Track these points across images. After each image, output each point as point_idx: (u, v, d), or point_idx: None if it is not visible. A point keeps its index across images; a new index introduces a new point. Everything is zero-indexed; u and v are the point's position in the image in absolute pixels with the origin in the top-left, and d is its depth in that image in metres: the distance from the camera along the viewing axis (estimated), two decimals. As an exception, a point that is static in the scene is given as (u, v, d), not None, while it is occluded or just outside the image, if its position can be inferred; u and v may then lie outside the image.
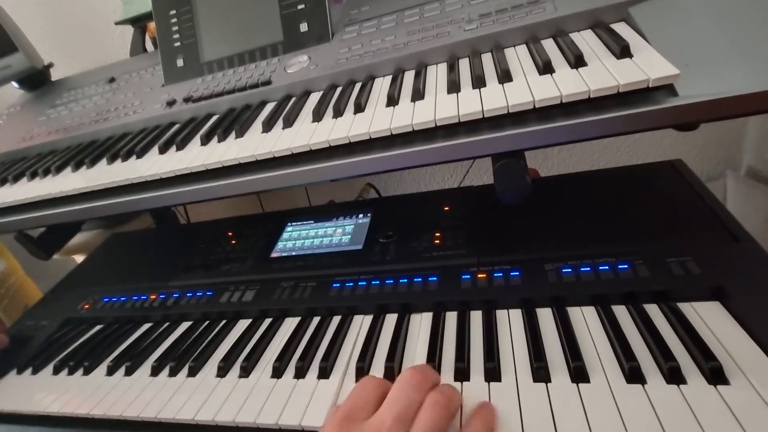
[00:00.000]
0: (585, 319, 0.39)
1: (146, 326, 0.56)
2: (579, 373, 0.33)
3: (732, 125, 0.83)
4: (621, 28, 0.40)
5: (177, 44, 0.61)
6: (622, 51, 0.35)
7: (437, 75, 0.44)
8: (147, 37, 0.81)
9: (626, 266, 0.41)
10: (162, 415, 0.40)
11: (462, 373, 0.36)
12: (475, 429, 0.30)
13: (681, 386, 0.31)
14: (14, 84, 0.80)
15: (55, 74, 0.82)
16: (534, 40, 0.43)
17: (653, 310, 0.38)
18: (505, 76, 0.38)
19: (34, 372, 0.52)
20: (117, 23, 0.79)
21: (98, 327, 0.59)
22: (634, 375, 0.32)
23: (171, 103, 0.58)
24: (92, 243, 0.89)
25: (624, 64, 0.34)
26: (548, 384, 0.33)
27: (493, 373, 0.35)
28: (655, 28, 0.38)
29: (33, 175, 0.56)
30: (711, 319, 0.36)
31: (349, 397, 0.32)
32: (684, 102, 0.31)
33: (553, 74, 0.37)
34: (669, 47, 0.35)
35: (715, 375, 0.30)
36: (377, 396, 0.31)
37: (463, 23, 0.47)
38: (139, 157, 0.50)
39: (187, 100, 0.56)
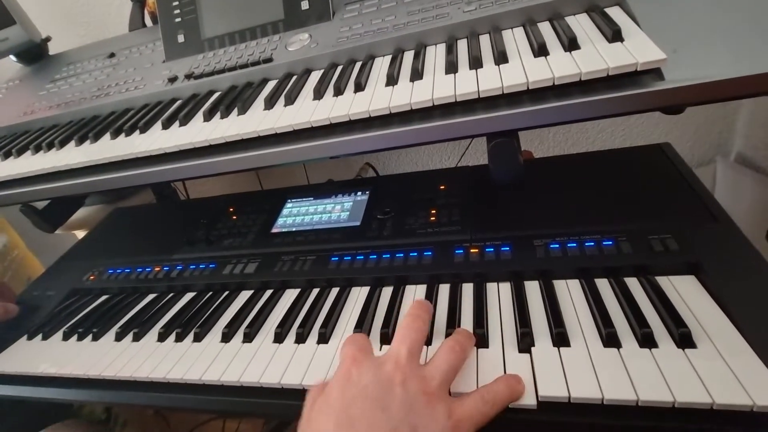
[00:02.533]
0: (569, 291, 0.41)
1: (151, 296, 0.58)
2: (560, 338, 0.36)
3: (723, 112, 0.85)
4: (615, 13, 0.41)
5: (178, 20, 0.61)
6: (614, 35, 0.37)
7: (436, 55, 0.45)
8: (146, 12, 0.80)
9: (610, 243, 0.43)
10: (170, 375, 0.43)
11: (452, 339, 0.39)
12: (498, 388, 0.32)
13: (652, 349, 0.33)
14: (12, 58, 0.79)
15: (53, 48, 0.82)
16: (531, 23, 0.44)
17: (633, 283, 0.40)
18: (501, 58, 0.39)
19: (44, 338, 0.55)
20: (115, -3, 0.79)
21: (104, 297, 0.61)
22: (610, 340, 0.35)
23: (173, 80, 0.58)
24: (93, 218, 0.91)
25: (615, 48, 0.36)
26: (532, 348, 0.36)
27: (481, 339, 0.38)
28: (647, 13, 0.39)
29: (37, 149, 0.57)
30: (685, 291, 0.38)
31: (348, 341, 0.35)
32: (669, 86, 0.33)
33: (548, 57, 0.38)
34: (659, 32, 0.36)
35: (684, 340, 0.33)
36: (368, 344, 0.35)
37: (462, 5, 0.48)
38: (142, 132, 0.51)
39: (188, 76, 0.57)
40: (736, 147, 0.87)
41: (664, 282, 0.39)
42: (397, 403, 0.29)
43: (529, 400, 0.32)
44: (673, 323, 0.34)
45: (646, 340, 0.34)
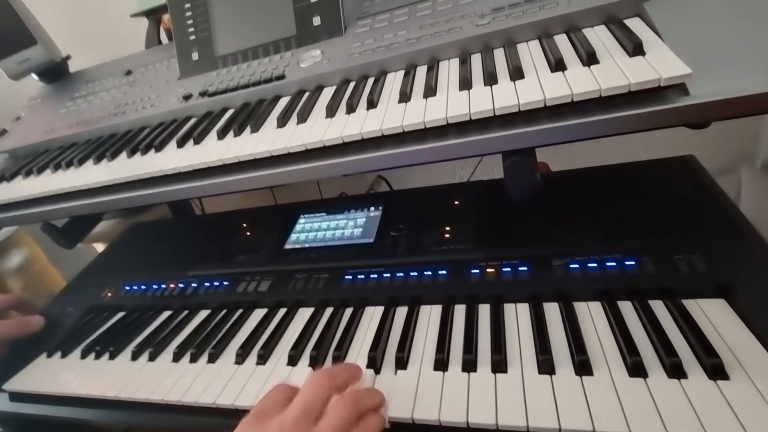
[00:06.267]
0: (591, 314, 0.40)
1: (166, 314, 0.58)
2: (583, 367, 0.34)
3: (749, 118, 0.82)
4: (635, 24, 0.40)
5: (192, 38, 0.62)
6: (635, 48, 0.35)
7: (449, 71, 0.44)
8: (162, 29, 0.82)
9: (633, 262, 0.42)
10: (185, 398, 0.43)
11: (470, 365, 0.38)
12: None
13: (682, 380, 0.32)
14: (34, 76, 0.81)
15: (73, 66, 0.84)
16: (547, 36, 0.43)
17: (658, 306, 0.38)
18: (516, 74, 0.39)
19: (63, 356, 0.55)
20: (132, 15, 0.80)
21: (121, 314, 0.62)
22: (636, 369, 0.33)
23: (187, 97, 0.59)
24: (112, 232, 0.92)
25: (636, 62, 0.35)
26: (552, 376, 0.35)
27: (499, 365, 0.37)
28: (669, 24, 0.38)
29: (56, 167, 0.58)
30: (715, 316, 0.36)
31: (261, 399, 0.35)
32: (695, 102, 0.31)
33: (565, 72, 0.37)
34: (683, 44, 0.35)
35: (716, 370, 0.31)
36: (287, 397, 0.34)
37: (476, 18, 0.47)
38: (158, 150, 0.52)
39: (203, 94, 0.57)
40: (762, 154, 0.83)
41: (692, 305, 0.38)
42: None
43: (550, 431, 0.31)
44: (703, 352, 0.32)
45: (675, 370, 0.32)
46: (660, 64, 0.33)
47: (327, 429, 0.31)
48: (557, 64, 0.37)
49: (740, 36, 0.34)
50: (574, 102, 0.35)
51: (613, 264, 0.42)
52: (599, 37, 0.40)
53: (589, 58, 0.37)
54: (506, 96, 0.37)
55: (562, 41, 0.41)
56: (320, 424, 0.32)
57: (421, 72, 0.46)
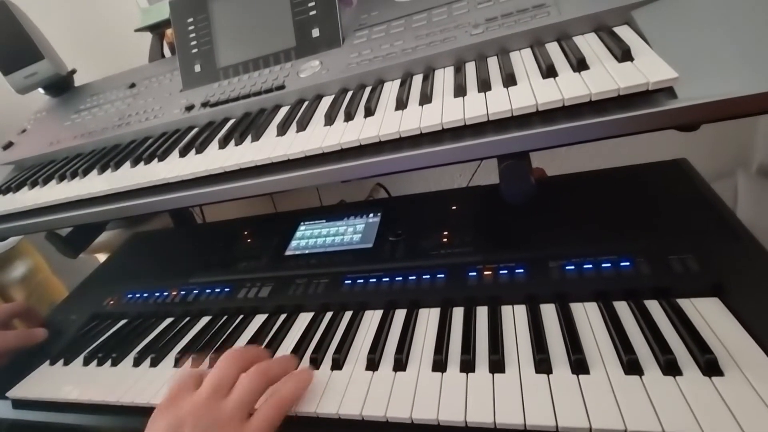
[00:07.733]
0: (587, 315, 0.40)
1: (168, 320, 0.59)
2: (579, 365, 0.35)
3: (742, 121, 0.83)
4: (623, 32, 0.41)
5: (194, 51, 0.64)
6: (623, 54, 0.37)
7: (444, 79, 0.45)
8: (165, 43, 0.84)
9: (628, 263, 0.42)
10: (186, 402, 0.43)
11: (467, 365, 0.38)
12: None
13: (677, 377, 0.32)
14: (40, 90, 0.83)
15: (78, 80, 0.86)
16: (538, 44, 0.44)
17: (653, 306, 0.39)
18: (509, 80, 0.40)
19: (66, 363, 0.56)
20: (136, 30, 0.82)
21: (123, 321, 0.62)
22: (632, 367, 0.33)
23: (190, 108, 0.60)
24: (114, 242, 0.93)
25: (625, 67, 0.36)
26: (549, 375, 0.35)
27: (497, 365, 0.37)
28: (656, 31, 0.39)
29: (61, 178, 0.59)
30: (709, 314, 0.37)
31: (171, 384, 0.38)
32: (683, 104, 0.32)
33: (556, 78, 0.38)
34: (670, 50, 0.36)
35: (710, 367, 0.32)
36: (197, 380, 0.38)
37: (470, 28, 0.48)
38: (161, 160, 0.53)
39: (204, 104, 0.59)
40: (758, 158, 0.84)
41: (686, 305, 0.38)
42: None
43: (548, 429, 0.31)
44: (697, 349, 0.33)
45: (670, 368, 0.32)
46: (648, 68, 0.34)
47: (234, 400, 0.35)
48: (548, 71, 0.39)
49: (726, 41, 0.35)
50: (566, 106, 0.36)
51: (608, 265, 0.43)
52: (589, 44, 0.41)
53: (580, 65, 0.38)
54: (500, 102, 0.38)
55: (553, 49, 0.43)
56: (228, 397, 0.35)
57: (417, 80, 0.47)
